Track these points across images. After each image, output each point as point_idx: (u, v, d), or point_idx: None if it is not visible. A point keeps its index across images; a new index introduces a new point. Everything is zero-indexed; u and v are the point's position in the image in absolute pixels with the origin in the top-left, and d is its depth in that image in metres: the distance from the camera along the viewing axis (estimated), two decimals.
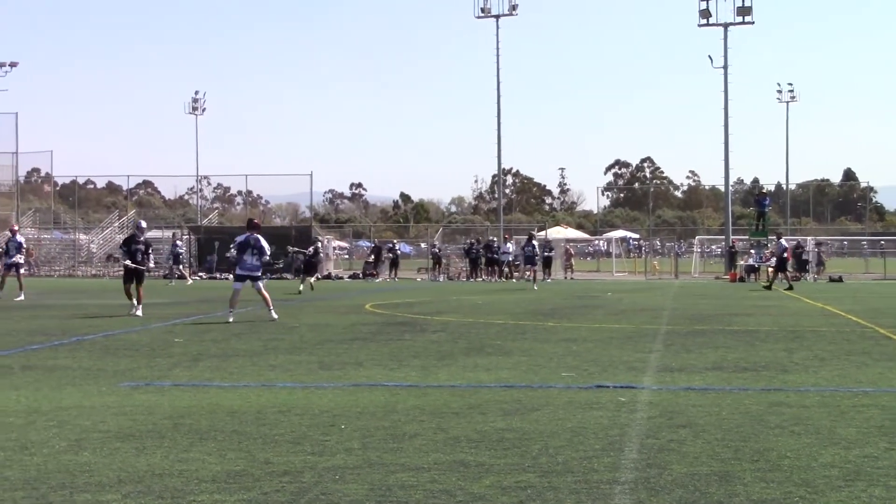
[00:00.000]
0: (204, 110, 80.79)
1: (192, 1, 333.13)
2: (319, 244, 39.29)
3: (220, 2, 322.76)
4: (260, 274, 22.54)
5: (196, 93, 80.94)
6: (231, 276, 26.47)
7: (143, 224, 26.30)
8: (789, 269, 44.36)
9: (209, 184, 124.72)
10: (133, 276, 24.18)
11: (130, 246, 24.50)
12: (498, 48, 67.12)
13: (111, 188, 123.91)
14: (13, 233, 33.00)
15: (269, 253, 22.99)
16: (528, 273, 49.15)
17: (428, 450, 8.40)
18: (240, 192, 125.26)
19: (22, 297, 30.00)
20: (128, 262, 24.29)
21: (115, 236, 63.65)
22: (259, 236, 22.46)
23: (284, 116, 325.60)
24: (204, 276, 54.44)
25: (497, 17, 67.40)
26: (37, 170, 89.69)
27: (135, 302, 24.05)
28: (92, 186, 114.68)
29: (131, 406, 10.72)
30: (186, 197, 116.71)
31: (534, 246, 45.58)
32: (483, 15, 67.59)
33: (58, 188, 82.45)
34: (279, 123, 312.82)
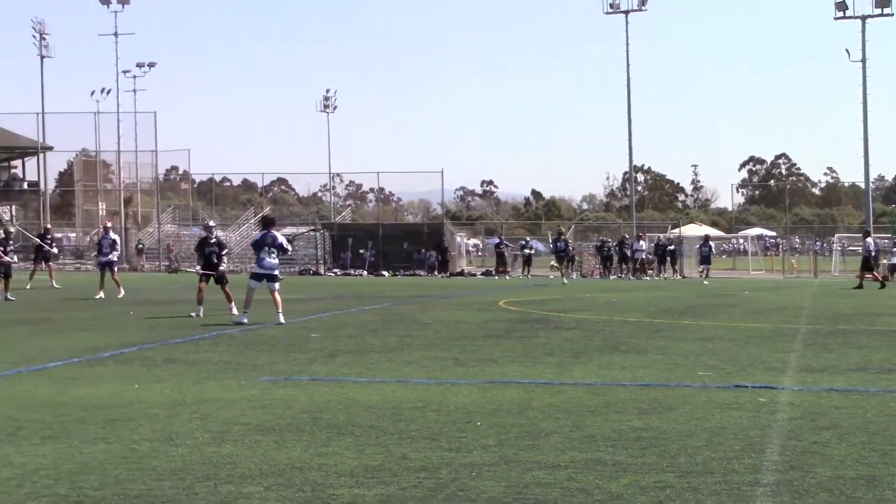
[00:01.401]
0: (335, 108, 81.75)
1: (324, 0, 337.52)
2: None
3: (351, 1, 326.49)
4: (278, 273, 21.37)
5: (327, 91, 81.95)
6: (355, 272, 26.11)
7: (212, 223, 25.36)
8: None
9: (342, 181, 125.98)
10: (209, 278, 23.22)
11: (204, 249, 23.56)
12: (627, 44, 66.49)
13: (246, 185, 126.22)
14: (106, 230, 32.72)
15: (290, 249, 22.88)
16: (701, 271, 53.36)
17: (564, 448, 8.35)
18: (372, 190, 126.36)
19: (122, 294, 29.83)
20: (197, 269, 24.00)
21: (251, 232, 64.79)
22: (276, 234, 21.55)
23: (415, 114, 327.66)
24: (338, 273, 55.13)
25: (626, 12, 66.75)
26: (175, 168, 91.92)
27: (230, 304, 23.08)
28: (228, 184, 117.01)
29: (271, 400, 10.91)
30: (320, 194, 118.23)
31: (710, 246, 49.06)
32: (612, 10, 67.02)
33: (195, 185, 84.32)
34: (410, 121, 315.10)
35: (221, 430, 9.22)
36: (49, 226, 41.40)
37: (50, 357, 14.92)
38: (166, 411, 10.23)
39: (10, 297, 28.32)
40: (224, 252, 23.75)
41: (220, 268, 23.31)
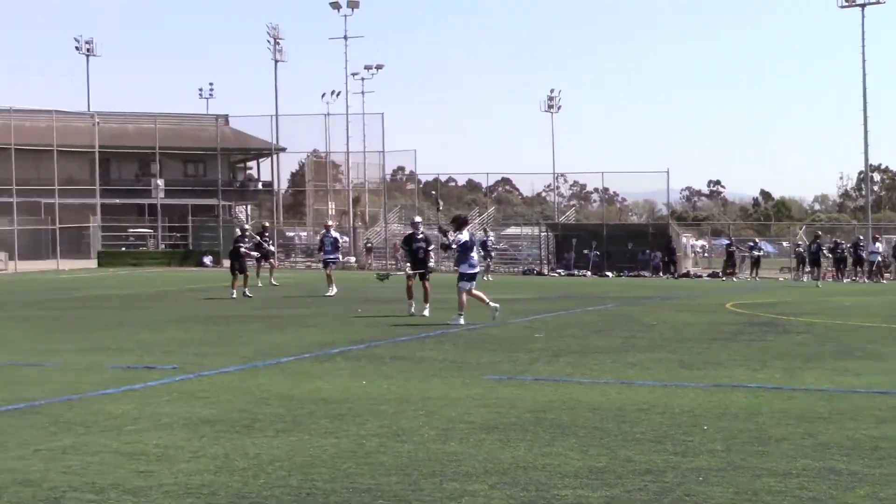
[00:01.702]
0: (560, 108, 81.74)
1: (548, 1, 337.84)
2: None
3: (573, 2, 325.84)
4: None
5: (552, 91, 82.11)
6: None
7: (419, 219, 24.91)
8: None
9: (565, 181, 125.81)
10: (417, 275, 22.99)
11: (411, 245, 23.31)
12: (864, 38, 64.03)
13: (471, 186, 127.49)
14: (327, 229, 33.22)
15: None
16: None
17: (795, 455, 8.09)
18: (596, 190, 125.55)
19: (333, 292, 30.20)
20: (406, 268, 23.55)
21: (475, 232, 65.43)
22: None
23: (640, 114, 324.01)
24: (562, 273, 55.07)
25: (863, 5, 64.29)
26: (401, 168, 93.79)
27: (419, 302, 22.77)
28: (453, 184, 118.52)
29: (495, 399, 10.97)
30: (544, 194, 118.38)
31: None
32: (847, 4, 64.69)
33: (421, 185, 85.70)
34: (635, 120, 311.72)
35: (446, 427, 9.32)
36: (266, 224, 42.60)
37: (282, 352, 15.43)
38: (393, 408, 10.42)
39: (248, 293, 29.41)
40: (431, 248, 23.65)
41: (429, 264, 23.46)
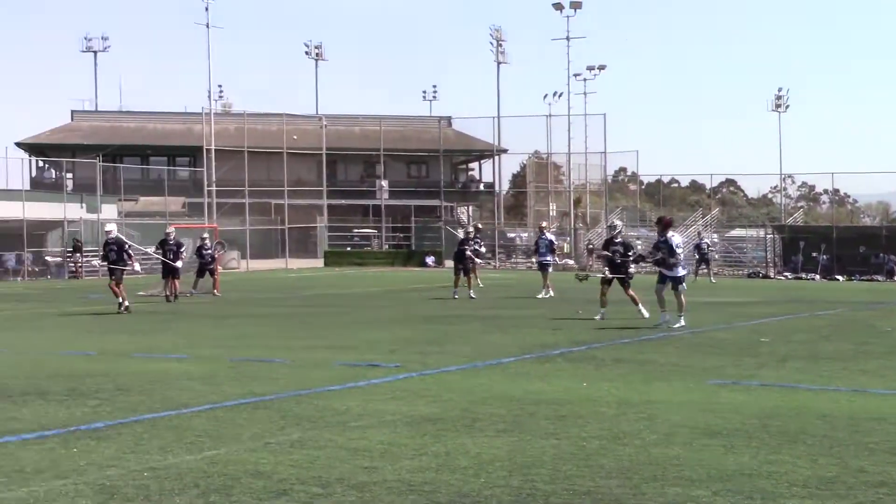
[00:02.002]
0: (788, 107, 79.33)
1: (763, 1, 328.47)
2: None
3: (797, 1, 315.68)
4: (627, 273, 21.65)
5: (779, 90, 79.74)
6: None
7: (618, 222, 24.41)
8: None
9: (793, 182, 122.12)
10: (612, 280, 22.29)
11: (609, 248, 22.71)
12: None
13: (694, 187, 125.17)
14: (542, 230, 32.84)
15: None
16: None
17: None
18: (825, 191, 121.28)
19: (547, 295, 29.70)
20: (605, 272, 22.56)
21: (697, 234, 64.31)
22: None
23: (873, 111, 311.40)
24: (789, 276, 53.49)
25: None
26: (623, 169, 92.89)
27: (637, 305, 22.03)
28: (676, 185, 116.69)
29: (719, 403, 10.74)
30: (770, 195, 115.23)
31: None
32: None
33: (643, 187, 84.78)
34: (868, 118, 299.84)
35: (669, 431, 9.17)
36: (479, 225, 42.82)
37: (503, 353, 15.51)
38: (614, 410, 10.33)
39: (472, 294, 29.66)
40: (630, 253, 22.74)
41: (630, 269, 22.48)
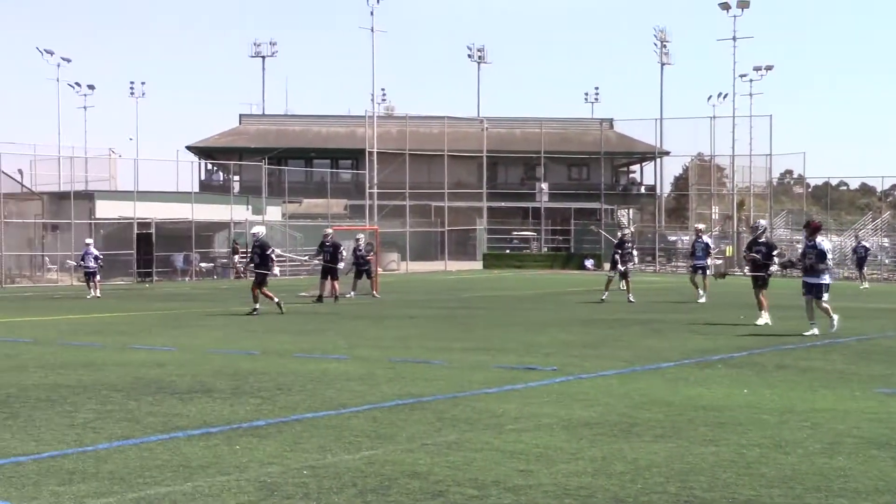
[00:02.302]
0: None
1: None
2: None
3: None
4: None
5: None
6: None
7: (763, 222, 23.40)
8: None
9: None
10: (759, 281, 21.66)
11: (752, 248, 22.11)
12: None
13: (864, 189, 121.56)
14: (698, 234, 31.98)
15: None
16: None
17: None
18: None
19: (702, 299, 29.24)
20: (746, 270, 22.12)
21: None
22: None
23: None
24: None
25: None
26: (789, 171, 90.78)
27: (761, 311, 21.39)
28: (844, 188, 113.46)
29: (887, 413, 10.39)
30: None
31: None
32: None
33: (810, 189, 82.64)
34: None
35: (833, 440, 8.91)
36: (628, 231, 42.03)
37: (662, 357, 15.32)
38: (776, 418, 10.09)
39: (631, 298, 29.34)
40: (776, 253, 21.97)
41: (772, 269, 21.67)
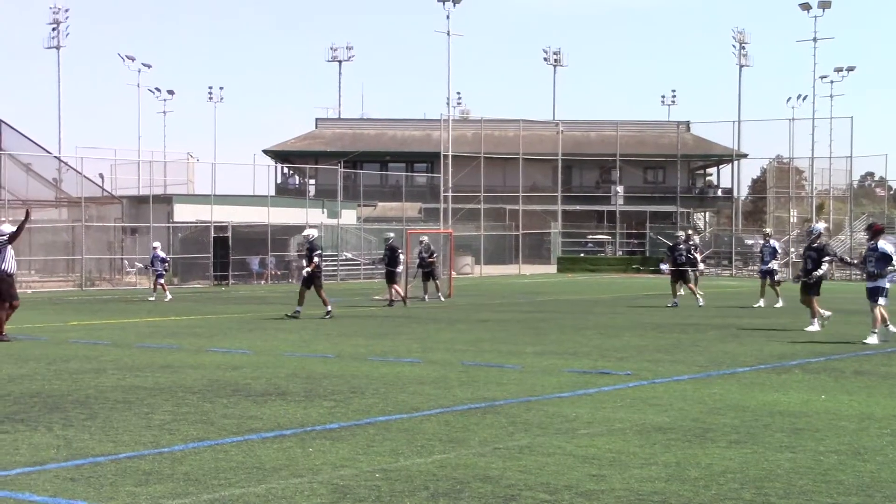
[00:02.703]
0: None
1: None
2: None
3: None
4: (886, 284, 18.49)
5: None
6: None
7: (818, 227, 22.69)
8: None
9: None
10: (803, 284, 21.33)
11: (806, 252, 21.74)
12: None
13: None
14: (766, 238, 31.59)
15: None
16: None
17: None
18: None
19: (760, 304, 28.81)
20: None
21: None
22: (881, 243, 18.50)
23: None
24: None
25: None
26: (871, 174, 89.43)
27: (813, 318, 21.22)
28: None
29: None
30: None
31: None
32: None
33: (892, 192, 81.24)
34: None
35: None
36: (690, 232, 41.39)
37: (738, 362, 15.16)
38: (854, 424, 9.93)
39: (701, 302, 29.07)
40: (826, 259, 21.26)
41: (816, 273, 20.91)
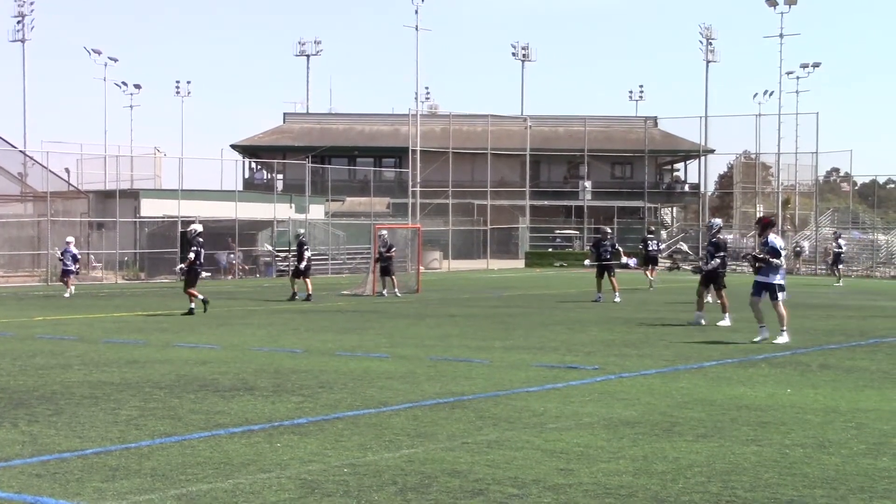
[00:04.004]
0: None
1: None
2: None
3: None
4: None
5: None
6: None
7: (717, 222, 22.62)
8: None
9: None
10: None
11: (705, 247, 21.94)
12: None
13: None
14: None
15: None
16: None
17: None
18: None
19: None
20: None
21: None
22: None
23: None
24: None
25: None
26: (836, 169, 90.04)
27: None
28: (892, 185, 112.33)
29: None
30: None
31: None
32: None
33: (857, 187, 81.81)
34: None
35: (879, 441, 8.83)
36: (608, 229, 41.40)
37: (704, 356, 15.25)
38: (820, 418, 10.01)
39: (616, 298, 29.24)
40: (719, 255, 21.26)
41: (706, 268, 21.15)
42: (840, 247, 44.49)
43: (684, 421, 9.77)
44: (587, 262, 31.90)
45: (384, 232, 33.95)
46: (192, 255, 24.85)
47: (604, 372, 13.44)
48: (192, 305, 24.01)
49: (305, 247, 30.93)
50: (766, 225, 18.52)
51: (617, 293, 29.30)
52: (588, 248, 38.16)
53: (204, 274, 26.83)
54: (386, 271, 32.66)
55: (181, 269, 24.92)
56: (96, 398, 11.24)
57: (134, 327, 20.58)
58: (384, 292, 32.12)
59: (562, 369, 13.78)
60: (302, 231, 33.65)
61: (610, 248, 30.69)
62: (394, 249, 33.60)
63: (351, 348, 16.44)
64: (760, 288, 17.65)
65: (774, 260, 17.49)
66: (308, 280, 30.11)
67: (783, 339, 17.25)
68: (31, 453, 8.38)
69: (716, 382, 12.53)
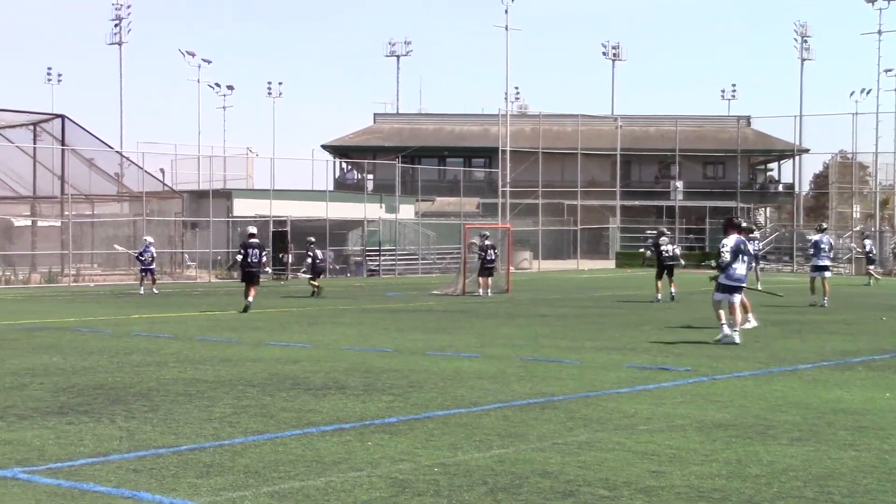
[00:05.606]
0: None
1: None
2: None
3: None
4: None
5: None
6: None
7: (663, 231, 22.21)
8: None
9: None
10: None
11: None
12: None
13: None
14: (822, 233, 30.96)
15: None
16: None
17: None
18: None
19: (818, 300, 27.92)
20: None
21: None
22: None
23: None
24: None
25: None
26: None
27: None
28: None
29: None
30: None
31: None
32: None
33: None
34: None
35: None
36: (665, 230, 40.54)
37: (799, 359, 14.99)
38: None
39: (664, 297, 29.10)
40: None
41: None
42: (865, 247, 44.42)
43: (779, 424, 9.62)
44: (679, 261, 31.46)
45: (486, 232, 33.98)
46: (238, 257, 25.38)
47: (696, 374, 13.29)
48: (249, 300, 24.75)
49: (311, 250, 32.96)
50: (726, 225, 18.52)
51: (673, 291, 29.66)
52: (646, 249, 37.64)
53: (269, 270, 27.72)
54: (488, 272, 32.63)
55: (229, 268, 25.72)
56: (191, 395, 11.41)
57: (227, 326, 20.85)
58: (490, 293, 32.10)
59: (653, 370, 13.66)
60: (312, 239, 35.16)
61: (671, 250, 30.49)
62: (496, 250, 33.62)
63: (441, 348, 16.47)
64: (726, 289, 17.80)
65: (721, 260, 17.71)
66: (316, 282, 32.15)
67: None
68: (127, 449, 8.53)
69: (811, 385, 12.32)
